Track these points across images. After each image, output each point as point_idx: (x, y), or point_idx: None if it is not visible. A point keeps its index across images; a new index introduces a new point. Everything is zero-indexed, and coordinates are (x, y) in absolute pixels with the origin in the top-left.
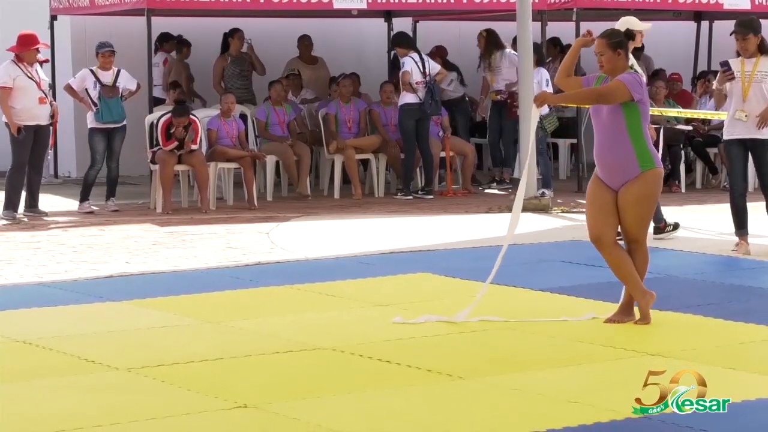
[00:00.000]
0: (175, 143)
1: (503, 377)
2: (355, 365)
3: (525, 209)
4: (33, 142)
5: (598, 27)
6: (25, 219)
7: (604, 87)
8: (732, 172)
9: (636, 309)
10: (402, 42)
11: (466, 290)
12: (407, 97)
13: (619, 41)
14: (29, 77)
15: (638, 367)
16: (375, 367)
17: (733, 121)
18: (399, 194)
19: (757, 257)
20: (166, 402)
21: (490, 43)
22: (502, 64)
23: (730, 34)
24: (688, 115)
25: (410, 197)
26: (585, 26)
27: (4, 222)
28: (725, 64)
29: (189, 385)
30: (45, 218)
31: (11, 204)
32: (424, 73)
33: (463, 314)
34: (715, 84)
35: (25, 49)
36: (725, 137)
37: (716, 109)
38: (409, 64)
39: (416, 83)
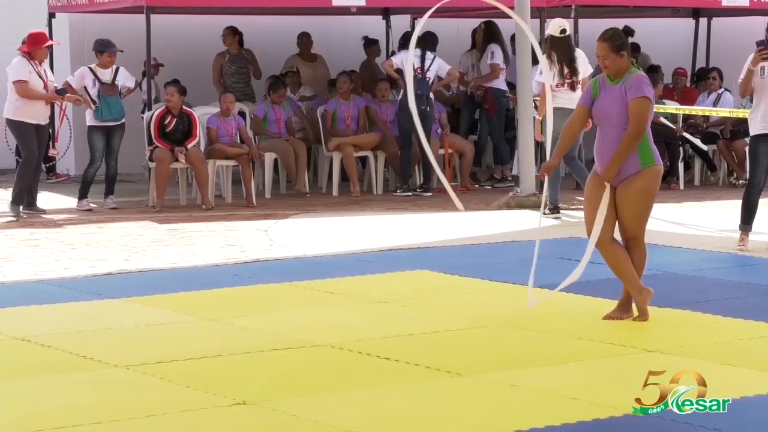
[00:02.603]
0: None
1: (502, 374)
2: (354, 362)
3: (524, 206)
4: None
5: (596, 24)
6: (24, 216)
7: (638, 124)
8: (756, 168)
9: (634, 305)
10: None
11: (465, 287)
12: (402, 94)
13: (622, 43)
14: (39, 76)
15: (637, 363)
16: (374, 364)
17: (766, 116)
18: (398, 191)
19: (756, 253)
20: (164, 399)
21: (488, 35)
22: (485, 58)
23: (767, 29)
24: (686, 112)
25: (409, 194)
26: (583, 23)
27: (8, 219)
28: (762, 43)
29: (188, 382)
30: (43, 216)
31: (19, 199)
32: (420, 68)
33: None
34: (748, 64)
35: (37, 47)
36: (756, 132)
37: (742, 96)
38: (400, 56)
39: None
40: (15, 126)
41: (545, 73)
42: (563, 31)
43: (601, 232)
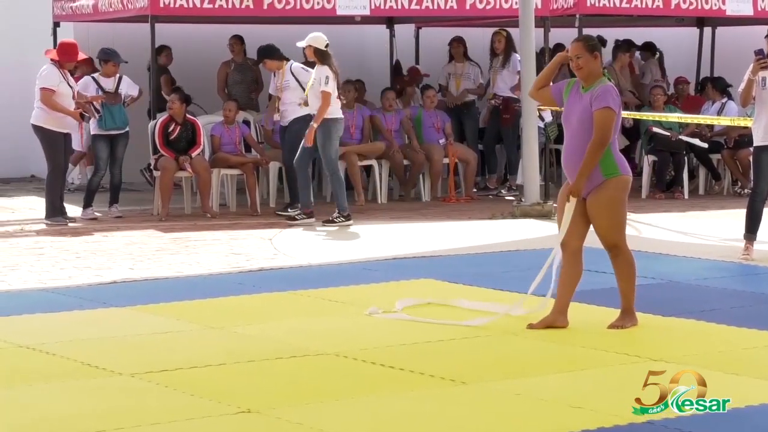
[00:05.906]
0: (174, 154)
1: (506, 382)
2: (359, 371)
3: (528, 215)
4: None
5: (600, 33)
6: (67, 220)
7: (601, 133)
8: (760, 177)
9: (636, 314)
10: (275, 53)
11: (469, 296)
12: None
13: (595, 44)
14: (68, 85)
15: (641, 372)
16: (378, 372)
17: None
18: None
19: (760, 263)
20: (169, 407)
21: (510, 44)
22: (507, 69)
23: (765, 37)
24: (688, 121)
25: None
26: (588, 33)
27: (56, 227)
28: (760, 52)
29: (192, 390)
30: (46, 226)
31: (53, 211)
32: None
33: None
34: (747, 74)
35: (68, 59)
36: (759, 142)
37: (743, 106)
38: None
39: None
40: (44, 134)
41: (331, 83)
42: (327, 45)
43: (570, 243)
